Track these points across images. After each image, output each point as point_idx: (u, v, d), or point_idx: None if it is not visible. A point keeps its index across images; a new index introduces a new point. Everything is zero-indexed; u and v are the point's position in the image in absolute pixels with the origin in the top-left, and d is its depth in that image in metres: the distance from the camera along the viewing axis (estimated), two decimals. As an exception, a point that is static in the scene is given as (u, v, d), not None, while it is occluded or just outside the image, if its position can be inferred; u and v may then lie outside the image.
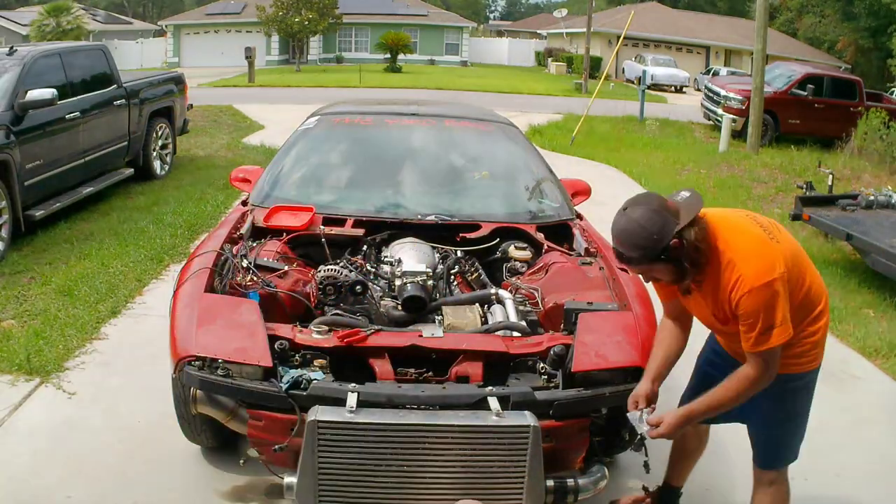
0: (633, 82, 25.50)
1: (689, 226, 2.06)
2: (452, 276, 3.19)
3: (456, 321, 2.77)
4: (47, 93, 5.89)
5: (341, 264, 3.04)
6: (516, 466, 2.29)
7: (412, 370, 2.52)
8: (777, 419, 2.35)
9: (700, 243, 2.07)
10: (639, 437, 2.34)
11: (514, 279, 3.20)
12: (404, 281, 2.90)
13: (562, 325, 2.81)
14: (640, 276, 2.34)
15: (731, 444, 3.42)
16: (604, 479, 2.55)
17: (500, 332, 2.69)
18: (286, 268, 2.96)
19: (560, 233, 3.62)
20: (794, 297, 2.12)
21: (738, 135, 13.17)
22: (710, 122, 15.22)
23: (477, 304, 2.94)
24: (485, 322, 2.81)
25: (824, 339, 2.30)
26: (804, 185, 7.08)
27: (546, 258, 3.27)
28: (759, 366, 2.10)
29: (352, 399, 2.29)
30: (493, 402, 2.34)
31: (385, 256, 3.14)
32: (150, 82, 8.28)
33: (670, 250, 2.05)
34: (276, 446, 2.38)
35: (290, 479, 2.34)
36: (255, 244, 3.18)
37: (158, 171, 8.34)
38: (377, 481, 2.28)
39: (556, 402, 2.41)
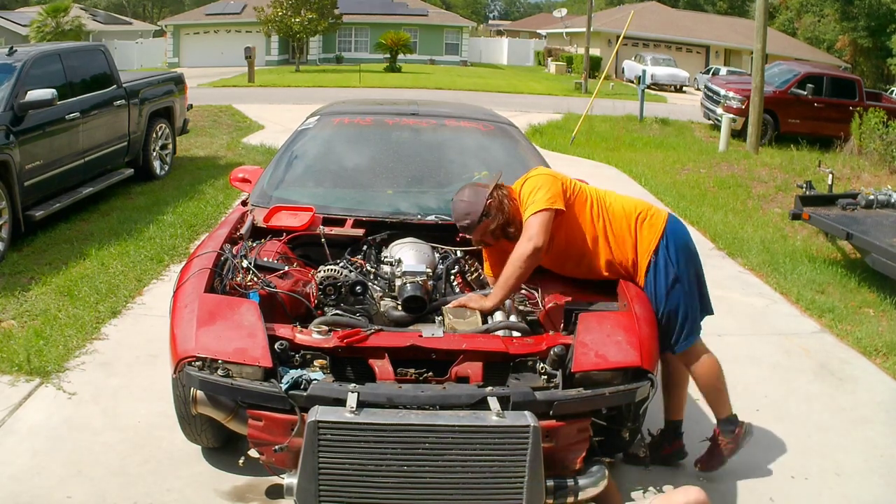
0: (632, 82, 25.50)
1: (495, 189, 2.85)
2: (452, 276, 3.19)
3: (456, 321, 2.77)
4: (47, 93, 5.89)
5: (341, 264, 3.04)
6: (516, 466, 2.29)
7: (412, 370, 2.52)
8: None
9: (505, 197, 2.85)
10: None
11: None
12: (404, 281, 2.89)
13: (562, 325, 2.81)
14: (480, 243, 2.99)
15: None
16: (604, 479, 2.55)
17: (500, 333, 2.69)
18: (286, 268, 2.96)
19: None
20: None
21: (738, 134, 13.17)
22: (710, 122, 15.22)
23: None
24: (485, 322, 2.81)
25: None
26: (804, 185, 7.05)
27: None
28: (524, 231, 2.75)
29: (352, 399, 2.29)
30: (493, 403, 2.34)
31: (385, 256, 3.14)
32: (149, 82, 8.27)
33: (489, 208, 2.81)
34: (277, 447, 2.38)
35: (290, 480, 2.34)
36: (255, 244, 3.18)
37: (158, 171, 8.33)
38: (377, 481, 2.28)
39: (556, 402, 2.42)
